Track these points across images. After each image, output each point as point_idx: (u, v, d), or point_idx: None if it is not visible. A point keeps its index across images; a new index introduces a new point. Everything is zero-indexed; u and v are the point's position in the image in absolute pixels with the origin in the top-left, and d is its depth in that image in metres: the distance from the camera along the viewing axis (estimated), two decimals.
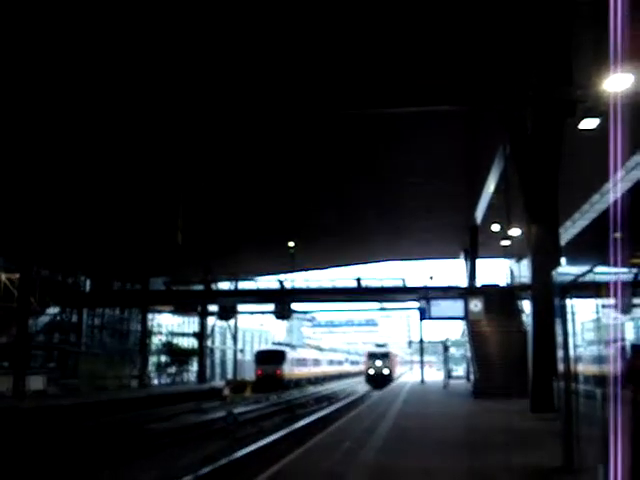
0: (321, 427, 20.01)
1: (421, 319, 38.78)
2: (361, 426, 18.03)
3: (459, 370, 54.85)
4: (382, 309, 63.75)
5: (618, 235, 6.57)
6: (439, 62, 21.51)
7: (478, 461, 11.73)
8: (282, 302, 44.54)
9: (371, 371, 59.51)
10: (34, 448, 18.42)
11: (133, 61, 20.36)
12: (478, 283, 43.27)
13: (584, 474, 9.34)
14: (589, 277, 9.30)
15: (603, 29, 9.01)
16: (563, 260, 20.63)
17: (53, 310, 42.13)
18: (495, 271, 65.31)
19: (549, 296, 15.13)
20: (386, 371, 58.52)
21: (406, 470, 11.09)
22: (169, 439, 20.82)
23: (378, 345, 67.32)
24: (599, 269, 8.96)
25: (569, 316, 10.07)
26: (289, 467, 11.67)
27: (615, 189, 20.00)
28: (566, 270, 11.93)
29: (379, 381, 54.99)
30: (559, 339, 10.44)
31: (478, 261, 44.61)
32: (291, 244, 41.80)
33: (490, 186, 30.57)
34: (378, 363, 59.24)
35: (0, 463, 15.78)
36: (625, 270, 7.48)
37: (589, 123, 15.88)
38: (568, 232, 35.00)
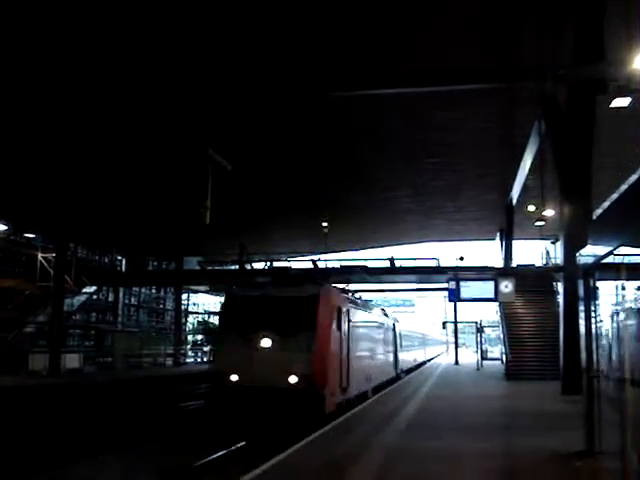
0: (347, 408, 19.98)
1: (450, 300, 38.24)
2: (388, 407, 18.00)
3: (495, 351, 54.34)
4: (418, 289, 62.63)
5: None
6: (472, 40, 21.19)
7: (501, 443, 11.65)
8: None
9: (234, 377, 16.47)
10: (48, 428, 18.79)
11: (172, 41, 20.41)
12: (514, 264, 42.70)
13: (605, 458, 9.20)
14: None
15: (635, 7, 8.77)
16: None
17: (90, 289, 42.58)
18: (532, 253, 63.88)
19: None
20: (295, 372, 16.11)
21: (429, 451, 11.04)
22: (197, 416, 21.12)
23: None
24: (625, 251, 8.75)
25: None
26: (313, 444, 11.73)
27: None
28: (591, 251, 11.67)
29: (259, 413, 15.78)
30: (581, 321, 10.24)
31: (515, 243, 43.95)
32: (325, 224, 41.63)
33: (526, 165, 30.00)
34: (265, 343, 16.51)
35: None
36: None
37: (621, 101, 15.47)
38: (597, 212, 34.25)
